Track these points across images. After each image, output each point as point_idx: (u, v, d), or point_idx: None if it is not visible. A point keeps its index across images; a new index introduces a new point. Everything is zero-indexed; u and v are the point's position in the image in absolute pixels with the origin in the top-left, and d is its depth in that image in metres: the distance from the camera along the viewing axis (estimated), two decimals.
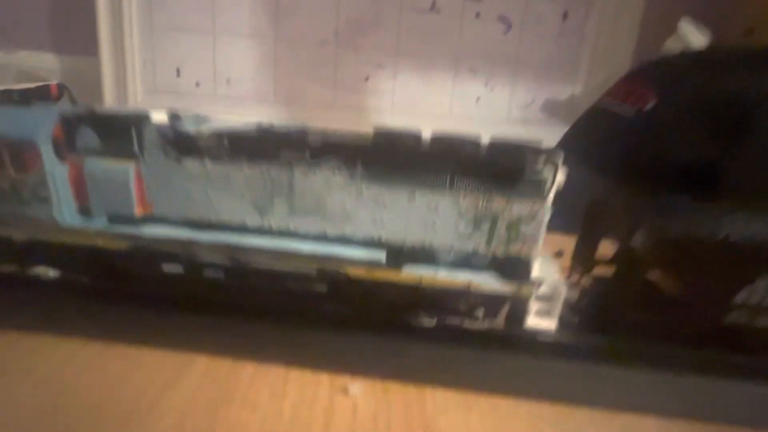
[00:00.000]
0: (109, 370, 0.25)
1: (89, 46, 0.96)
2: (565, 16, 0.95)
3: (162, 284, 0.28)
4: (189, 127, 0.26)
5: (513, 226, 0.25)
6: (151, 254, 0.27)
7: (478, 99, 1.00)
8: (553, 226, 0.28)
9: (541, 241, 0.26)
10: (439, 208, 0.26)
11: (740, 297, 0.24)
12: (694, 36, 0.80)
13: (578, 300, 0.29)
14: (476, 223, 0.26)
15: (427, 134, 0.26)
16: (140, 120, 0.26)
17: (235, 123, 0.27)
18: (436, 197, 0.25)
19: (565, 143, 0.68)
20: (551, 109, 1.01)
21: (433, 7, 0.95)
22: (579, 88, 0.99)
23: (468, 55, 0.98)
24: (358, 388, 0.25)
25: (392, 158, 0.25)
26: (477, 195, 0.25)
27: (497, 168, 0.25)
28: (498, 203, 0.25)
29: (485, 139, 0.25)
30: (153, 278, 0.28)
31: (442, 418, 0.24)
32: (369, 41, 0.97)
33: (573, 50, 0.97)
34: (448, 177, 0.25)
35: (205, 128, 0.26)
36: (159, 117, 0.27)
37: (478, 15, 0.95)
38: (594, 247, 0.30)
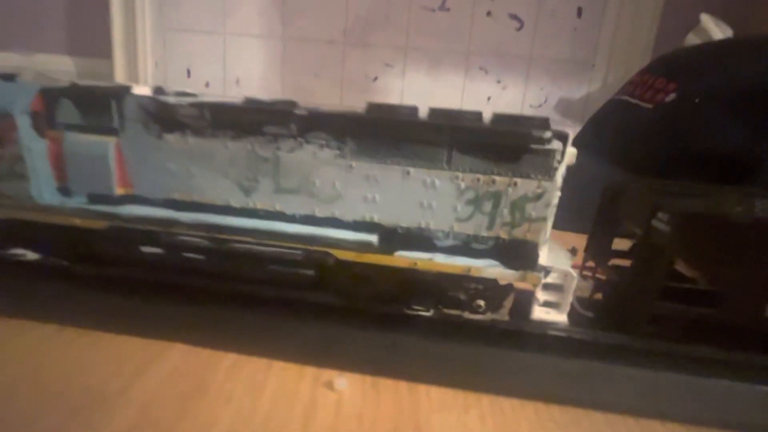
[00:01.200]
0: (78, 356, 0.24)
1: (103, 48, 0.97)
2: (579, 12, 0.92)
3: (140, 267, 0.26)
4: (171, 99, 0.25)
5: (518, 207, 0.23)
6: (130, 235, 0.25)
7: (489, 98, 0.98)
8: (565, 224, 0.25)
9: (549, 224, 0.23)
10: (436, 186, 0.23)
11: None
12: (716, 30, 0.76)
13: (591, 292, 0.26)
14: (477, 203, 0.23)
15: (423, 109, 0.24)
16: (121, 92, 0.25)
17: (219, 97, 0.26)
18: (432, 175, 0.23)
19: (583, 136, 0.65)
20: (565, 109, 0.98)
21: (443, 5, 0.93)
22: (595, 87, 0.95)
23: (479, 53, 0.96)
24: (345, 382, 0.23)
25: (385, 133, 0.23)
26: (478, 172, 0.23)
27: (501, 142, 0.22)
28: (501, 181, 0.23)
29: (486, 115, 0.23)
30: (131, 260, 0.26)
31: (436, 417, 0.21)
32: (377, 40, 0.96)
33: (589, 47, 0.94)
34: (446, 153, 0.23)
35: (187, 100, 0.24)
36: (142, 91, 0.26)
37: (489, 13, 0.93)
38: (610, 234, 0.27)
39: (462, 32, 0.94)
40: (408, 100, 0.98)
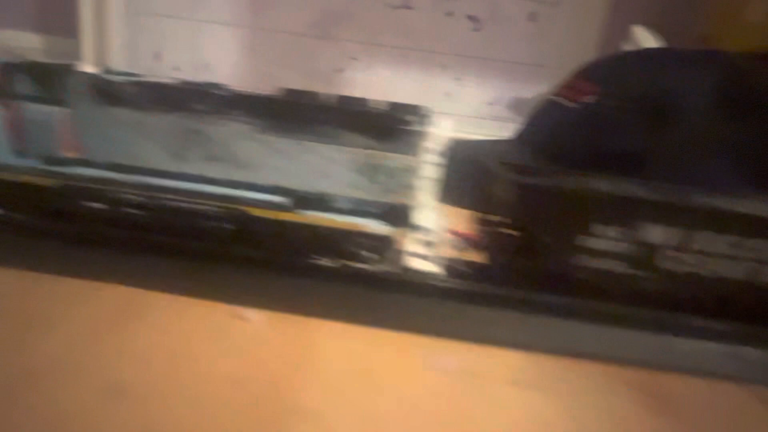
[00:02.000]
0: (26, 293, 0.28)
1: (71, 27, 0.99)
2: (532, 17, 0.99)
3: (86, 220, 0.31)
4: (114, 78, 0.29)
5: (396, 176, 0.29)
6: (78, 192, 0.30)
7: (447, 94, 1.04)
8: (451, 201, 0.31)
9: (420, 191, 0.29)
10: (334, 158, 0.29)
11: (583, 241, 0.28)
12: (647, 41, 0.84)
13: (464, 252, 0.32)
14: (365, 173, 0.29)
15: (327, 94, 0.29)
16: (72, 70, 0.29)
17: (158, 78, 0.30)
18: (330, 149, 0.29)
19: (523, 132, 0.72)
20: (518, 107, 1.05)
21: (406, 3, 0.98)
22: (545, 87, 1.03)
23: (439, 51, 1.02)
24: (253, 314, 0.28)
25: (295, 113, 0.29)
26: (366, 148, 0.29)
27: (378, 124, 0.28)
28: (381, 156, 0.28)
29: (374, 102, 0.29)
30: (79, 215, 0.31)
31: (326, 342, 0.27)
32: (343, 34, 1.00)
33: (540, 50, 1.01)
34: (341, 131, 0.29)
35: (130, 79, 0.29)
36: (90, 69, 0.30)
37: (449, 13, 0.99)
38: (478, 206, 0.33)
39: (423, 30, 1.00)
40: (371, 93, 1.03)
